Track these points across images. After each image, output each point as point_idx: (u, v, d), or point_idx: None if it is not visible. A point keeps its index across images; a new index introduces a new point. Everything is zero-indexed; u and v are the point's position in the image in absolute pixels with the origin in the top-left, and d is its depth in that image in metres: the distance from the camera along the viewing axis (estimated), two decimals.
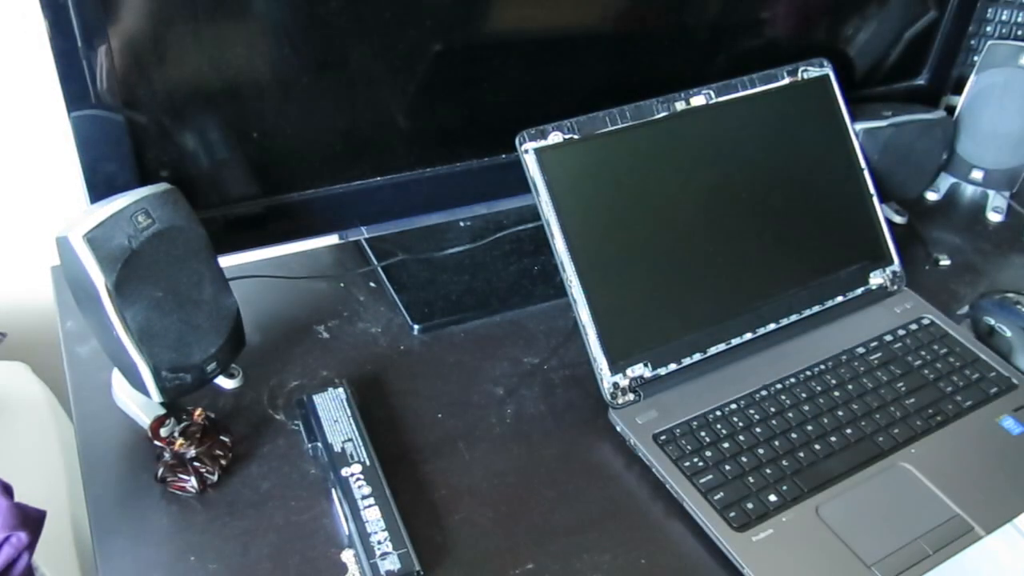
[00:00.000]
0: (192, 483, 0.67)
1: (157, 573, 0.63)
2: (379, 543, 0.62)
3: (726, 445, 0.73)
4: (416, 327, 0.85)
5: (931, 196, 1.09)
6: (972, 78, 1.04)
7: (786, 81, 0.84)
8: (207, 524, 0.66)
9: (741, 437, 0.73)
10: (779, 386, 0.78)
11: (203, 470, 0.68)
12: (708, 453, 0.72)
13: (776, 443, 0.73)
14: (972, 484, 0.71)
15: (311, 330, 0.84)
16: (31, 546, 0.67)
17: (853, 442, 0.74)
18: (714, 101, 0.81)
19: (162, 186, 0.68)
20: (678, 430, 0.73)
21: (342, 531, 0.65)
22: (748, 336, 0.81)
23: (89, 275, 0.63)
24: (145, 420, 0.71)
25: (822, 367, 0.80)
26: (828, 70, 0.86)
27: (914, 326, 0.86)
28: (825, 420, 0.75)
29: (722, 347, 0.80)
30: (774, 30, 0.95)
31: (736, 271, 0.82)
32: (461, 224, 0.96)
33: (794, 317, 0.83)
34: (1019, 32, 1.09)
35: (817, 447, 0.73)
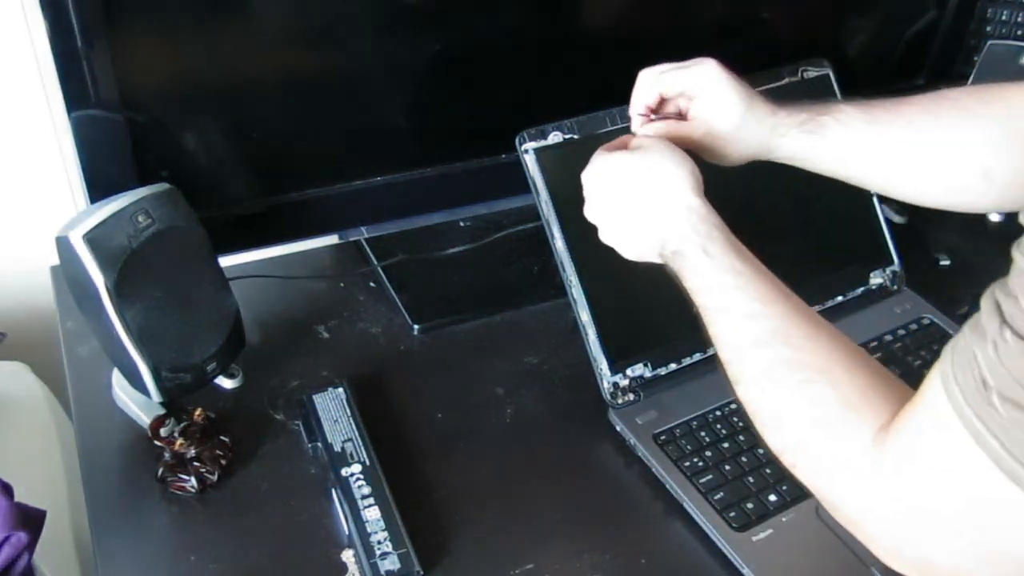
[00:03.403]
0: (192, 483, 0.67)
1: (157, 573, 0.63)
2: (379, 543, 0.62)
3: (726, 445, 0.72)
4: (416, 327, 0.85)
5: None
6: (972, 78, 1.04)
7: (786, 81, 0.84)
8: (207, 524, 0.66)
9: (741, 437, 0.73)
10: None
11: (203, 470, 0.68)
12: (708, 453, 0.72)
13: None
14: None
15: (311, 330, 0.84)
16: (31, 546, 0.67)
17: None
18: None
19: (162, 186, 0.68)
20: (678, 430, 0.73)
21: (342, 531, 0.65)
22: None
23: (89, 275, 0.63)
24: (145, 420, 0.71)
25: None
26: (828, 70, 0.86)
27: (914, 326, 0.86)
28: None
29: None
30: (774, 30, 0.96)
31: None
32: (461, 224, 0.96)
33: None
34: (1019, 32, 1.09)
35: None
